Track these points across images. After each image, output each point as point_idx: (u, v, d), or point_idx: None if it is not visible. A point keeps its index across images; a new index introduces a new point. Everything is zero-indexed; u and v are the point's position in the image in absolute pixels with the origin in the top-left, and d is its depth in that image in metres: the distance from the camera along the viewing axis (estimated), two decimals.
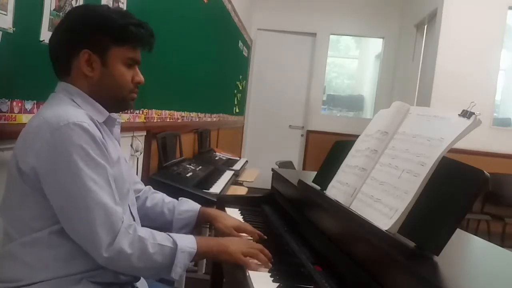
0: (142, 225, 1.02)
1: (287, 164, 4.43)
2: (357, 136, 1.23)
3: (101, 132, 0.99)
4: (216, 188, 2.32)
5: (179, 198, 1.33)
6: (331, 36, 6.39)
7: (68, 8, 1.32)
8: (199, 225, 1.33)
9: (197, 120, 3.36)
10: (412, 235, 0.83)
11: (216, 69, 3.98)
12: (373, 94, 6.50)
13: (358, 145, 1.20)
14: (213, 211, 1.34)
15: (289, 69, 6.31)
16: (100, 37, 1.02)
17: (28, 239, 0.95)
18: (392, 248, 0.82)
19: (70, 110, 0.97)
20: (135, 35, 1.05)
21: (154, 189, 1.36)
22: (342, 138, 1.45)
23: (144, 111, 2.20)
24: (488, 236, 3.98)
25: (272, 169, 1.84)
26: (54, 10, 1.28)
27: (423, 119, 1.00)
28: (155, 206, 1.28)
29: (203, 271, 2.73)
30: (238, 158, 3.94)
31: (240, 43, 5.17)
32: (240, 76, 5.47)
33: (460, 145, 0.92)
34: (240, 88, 5.50)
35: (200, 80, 3.37)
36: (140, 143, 2.19)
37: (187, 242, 1.01)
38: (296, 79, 6.34)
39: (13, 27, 1.12)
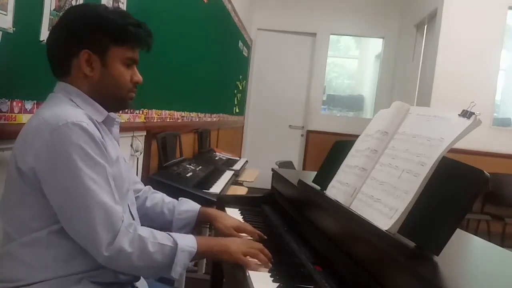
0: (142, 225, 1.02)
1: (287, 164, 4.43)
2: (357, 136, 1.23)
3: (100, 132, 1.00)
4: (216, 188, 2.32)
5: (179, 198, 1.33)
6: (331, 36, 6.39)
7: None
8: (199, 225, 1.33)
9: (197, 120, 3.36)
10: (412, 235, 0.83)
11: (216, 69, 3.98)
12: (373, 94, 6.50)
13: (358, 145, 1.20)
14: (213, 211, 1.34)
15: (289, 69, 6.31)
16: (100, 37, 1.02)
17: (28, 239, 0.95)
18: (392, 248, 0.82)
19: (69, 110, 0.97)
20: (134, 35, 1.05)
21: (154, 189, 1.36)
22: (342, 138, 1.45)
23: (144, 111, 2.20)
24: (488, 236, 3.98)
25: (272, 169, 1.84)
26: (54, 10, 1.28)
27: (423, 119, 1.00)
28: (155, 206, 1.28)
29: (203, 271, 2.73)
30: (238, 158, 3.94)
31: (240, 43, 5.17)
32: (240, 76, 5.47)
33: (460, 145, 0.92)
34: (240, 88, 5.50)
35: (200, 80, 3.38)
36: (140, 143, 2.19)
37: (188, 242, 1.01)
38: (296, 79, 6.34)
39: (13, 27, 1.12)
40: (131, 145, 2.11)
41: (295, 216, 1.41)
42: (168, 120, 2.59)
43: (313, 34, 6.30)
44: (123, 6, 1.78)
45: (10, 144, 1.01)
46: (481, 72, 4.45)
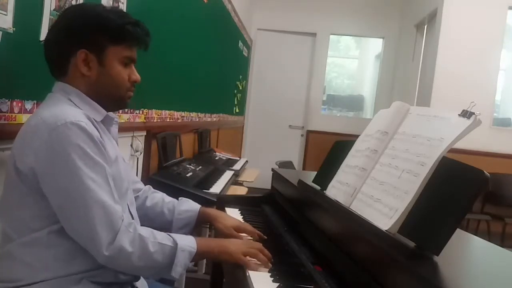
0: (142, 225, 1.02)
1: (287, 164, 4.43)
2: (357, 136, 1.23)
3: (98, 131, 0.99)
4: (216, 188, 2.32)
5: (179, 198, 1.32)
6: (331, 36, 6.39)
7: None
8: (199, 225, 1.33)
9: (197, 120, 3.36)
10: (412, 235, 0.83)
11: (216, 69, 3.98)
12: (373, 94, 6.50)
13: (358, 145, 1.20)
14: (213, 211, 1.34)
15: (289, 69, 6.31)
16: (97, 36, 1.02)
17: (28, 239, 0.95)
18: (392, 248, 0.82)
19: (68, 110, 0.97)
20: (132, 34, 1.05)
21: (154, 189, 1.36)
22: (342, 138, 1.45)
23: (144, 111, 2.20)
24: (488, 236, 3.98)
25: (272, 169, 1.84)
26: (54, 10, 1.28)
27: (423, 119, 1.00)
28: (155, 206, 1.28)
29: (203, 271, 2.74)
30: (238, 158, 3.94)
31: (240, 43, 5.17)
32: (240, 76, 5.47)
33: (460, 145, 0.92)
34: (240, 88, 5.50)
35: (200, 80, 3.38)
36: (140, 143, 2.19)
37: (187, 242, 1.01)
38: (296, 79, 6.34)
39: (13, 27, 1.12)
40: (131, 145, 2.11)
41: (295, 216, 1.41)
42: (168, 120, 2.59)
43: (313, 34, 6.30)
44: (123, 6, 1.78)
45: (10, 144, 1.01)
46: (481, 72, 4.45)
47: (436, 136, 0.91)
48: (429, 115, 1.00)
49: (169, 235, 1.01)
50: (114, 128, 1.15)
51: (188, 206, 1.29)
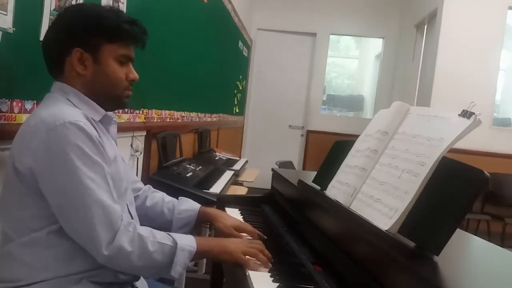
0: (142, 225, 1.02)
1: (287, 164, 4.43)
2: (357, 136, 1.23)
3: (97, 131, 0.99)
4: (216, 188, 2.32)
5: (179, 198, 1.32)
6: (331, 36, 6.39)
7: None
8: (199, 225, 1.32)
9: (197, 120, 3.36)
10: (412, 235, 0.83)
11: (216, 69, 3.98)
12: (373, 94, 6.50)
13: (358, 145, 1.20)
14: (213, 210, 1.34)
15: (289, 69, 6.31)
16: (93, 35, 1.02)
17: (27, 239, 0.95)
18: (392, 248, 0.82)
19: (66, 110, 0.97)
20: (128, 33, 1.05)
21: (154, 189, 1.36)
22: (342, 138, 1.45)
23: (144, 111, 2.20)
24: (488, 236, 3.98)
25: (272, 169, 1.84)
26: (54, 10, 1.28)
27: (423, 119, 1.00)
28: (155, 206, 1.28)
29: (203, 271, 2.74)
30: (238, 158, 3.94)
31: (240, 43, 5.17)
32: (240, 76, 5.47)
33: (460, 145, 0.92)
34: (240, 88, 5.50)
35: (200, 80, 3.38)
36: (140, 143, 2.19)
37: (187, 241, 1.01)
38: (296, 79, 6.34)
39: (13, 27, 1.12)
40: (131, 145, 2.11)
41: (295, 216, 1.41)
42: (168, 120, 2.59)
43: (313, 34, 6.30)
44: (123, 6, 1.78)
45: (10, 144, 1.01)
46: (481, 72, 4.45)
47: (436, 136, 0.91)
48: (429, 115, 1.00)
49: (169, 235, 1.01)
50: (113, 128, 1.15)
51: (188, 206, 1.29)
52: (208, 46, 3.52)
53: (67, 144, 0.91)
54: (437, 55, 4.49)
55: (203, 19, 3.23)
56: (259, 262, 1.03)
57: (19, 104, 1.19)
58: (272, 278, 0.97)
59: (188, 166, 2.53)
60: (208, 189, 2.23)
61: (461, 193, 0.78)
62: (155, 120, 2.37)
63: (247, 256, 1.05)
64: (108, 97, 1.07)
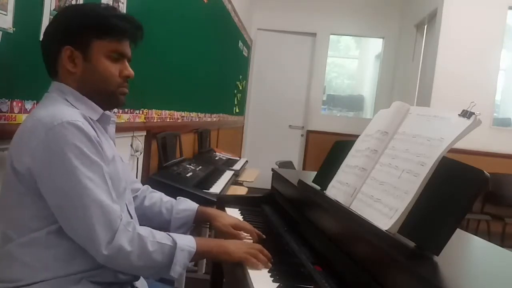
0: (141, 225, 1.02)
1: (287, 164, 4.43)
2: (357, 136, 1.23)
3: (95, 131, 0.99)
4: (216, 188, 2.32)
5: (177, 198, 1.32)
6: (331, 36, 6.39)
7: None
8: (198, 225, 1.32)
9: (197, 120, 3.36)
10: (412, 235, 0.83)
11: (216, 69, 3.98)
12: (373, 94, 6.50)
13: (358, 145, 1.20)
14: (211, 210, 1.33)
15: (289, 69, 6.31)
16: (81, 31, 1.01)
17: (27, 240, 0.95)
18: (392, 248, 0.82)
19: (64, 110, 0.97)
20: (117, 27, 1.03)
21: (154, 189, 1.36)
22: (342, 138, 1.45)
23: (144, 111, 2.20)
24: (488, 236, 3.98)
25: (272, 169, 1.84)
26: (54, 10, 1.28)
27: (423, 119, 1.00)
28: (153, 206, 1.28)
29: (203, 271, 2.74)
30: (238, 158, 3.94)
31: (240, 43, 5.17)
32: (240, 76, 5.47)
33: (460, 145, 0.92)
34: (240, 88, 5.50)
35: (200, 80, 3.38)
36: (140, 143, 2.19)
37: (187, 241, 1.01)
38: (296, 79, 6.34)
39: (13, 27, 1.12)
40: (131, 145, 2.11)
41: (295, 216, 1.41)
42: (168, 120, 2.59)
43: (313, 34, 6.30)
44: (123, 6, 1.78)
45: (10, 144, 1.02)
46: (481, 72, 4.45)
47: (436, 136, 0.91)
48: (429, 115, 1.00)
49: (169, 235, 1.00)
50: (112, 128, 1.15)
51: (186, 206, 1.29)
52: (208, 46, 3.52)
53: (65, 144, 0.91)
54: (437, 55, 4.49)
55: (203, 19, 3.23)
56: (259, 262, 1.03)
57: (19, 104, 1.19)
58: (272, 278, 0.97)
59: (188, 166, 2.53)
60: (208, 189, 2.23)
61: (461, 193, 0.78)
62: (155, 120, 2.37)
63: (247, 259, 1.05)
64: (101, 94, 1.06)
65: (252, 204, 1.71)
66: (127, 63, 1.08)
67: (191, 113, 3.15)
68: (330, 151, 1.43)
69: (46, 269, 0.95)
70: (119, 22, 1.04)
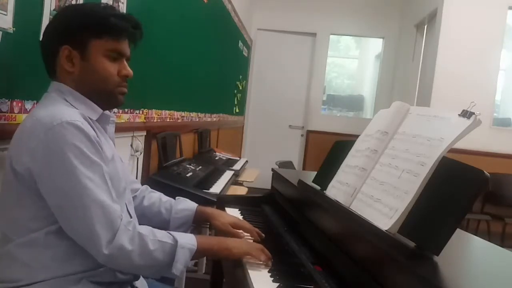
0: (140, 225, 1.02)
1: (287, 164, 4.43)
2: (357, 136, 1.23)
3: (95, 131, 0.99)
4: (216, 188, 2.32)
5: (176, 197, 1.32)
6: (331, 36, 6.39)
7: None
8: (198, 225, 1.32)
9: (197, 120, 3.36)
10: (412, 235, 0.83)
11: (216, 69, 3.98)
12: (373, 94, 6.50)
13: (358, 145, 1.20)
14: (210, 209, 1.33)
15: (289, 69, 6.31)
16: (79, 31, 1.01)
17: (26, 240, 0.95)
18: (392, 248, 0.82)
19: (64, 110, 0.97)
20: (115, 26, 1.03)
21: (154, 189, 1.36)
22: (342, 138, 1.45)
23: (144, 111, 2.20)
24: (488, 236, 3.98)
25: (272, 169, 1.84)
26: (54, 10, 1.28)
27: (423, 119, 1.00)
28: (152, 206, 1.28)
29: (203, 271, 2.74)
30: (238, 158, 3.94)
31: (240, 43, 5.17)
32: (240, 76, 5.47)
33: (460, 145, 0.92)
34: (240, 88, 5.50)
35: (200, 80, 3.38)
36: (140, 143, 2.19)
37: (187, 239, 1.00)
38: (296, 79, 6.34)
39: (13, 27, 1.12)
40: (131, 145, 2.11)
41: (295, 216, 1.41)
42: (168, 120, 2.59)
43: (313, 34, 6.30)
44: (123, 6, 1.78)
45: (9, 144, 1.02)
46: (481, 72, 4.45)
47: (436, 136, 0.91)
48: (429, 115, 1.00)
49: (169, 233, 1.00)
50: (111, 128, 1.15)
51: (185, 205, 1.29)
52: (208, 46, 3.52)
53: (65, 144, 0.91)
54: (437, 55, 4.49)
55: (203, 19, 3.23)
56: (259, 261, 1.03)
57: (19, 104, 1.19)
58: (272, 278, 0.97)
59: (188, 166, 2.53)
60: (208, 189, 2.23)
61: (461, 193, 0.78)
62: (155, 120, 2.37)
63: (247, 256, 1.05)
64: (100, 94, 1.05)
65: (252, 204, 1.71)
66: (125, 63, 1.08)
67: (191, 113, 3.15)
68: (330, 151, 1.43)
69: (45, 269, 0.95)
70: (118, 21, 1.03)
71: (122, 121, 1.90)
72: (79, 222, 0.92)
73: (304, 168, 6.24)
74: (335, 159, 1.29)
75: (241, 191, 2.82)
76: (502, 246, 1.03)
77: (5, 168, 0.97)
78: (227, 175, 2.80)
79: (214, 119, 4.06)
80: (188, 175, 2.32)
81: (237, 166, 3.35)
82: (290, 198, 1.55)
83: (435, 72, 4.49)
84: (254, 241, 1.19)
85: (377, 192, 0.98)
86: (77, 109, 1.01)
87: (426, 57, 4.98)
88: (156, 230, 1.00)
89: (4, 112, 1.13)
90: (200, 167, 2.62)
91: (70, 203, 0.92)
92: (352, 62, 7.34)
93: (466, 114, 0.88)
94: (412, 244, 0.82)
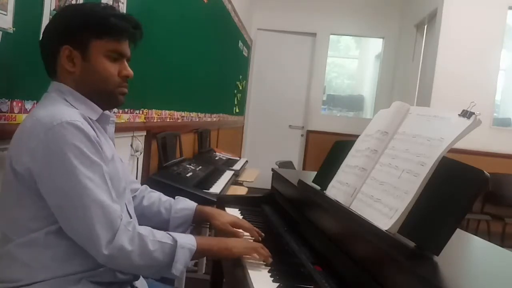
0: (139, 225, 1.02)
1: (287, 164, 4.43)
2: (357, 136, 1.23)
3: (95, 131, 0.99)
4: (216, 188, 2.32)
5: (176, 197, 1.32)
6: (331, 36, 6.39)
7: None
8: (198, 224, 1.32)
9: (197, 120, 3.36)
10: (412, 235, 0.83)
11: (216, 69, 3.98)
12: (373, 94, 6.50)
13: (358, 145, 1.20)
14: (209, 209, 1.33)
15: (289, 69, 6.31)
16: (80, 31, 1.01)
17: (26, 240, 0.95)
18: (392, 248, 0.82)
19: (63, 110, 0.97)
20: (116, 26, 1.03)
21: (154, 189, 1.36)
22: (342, 138, 1.45)
23: (144, 111, 2.20)
24: (488, 236, 3.98)
25: (272, 169, 1.84)
26: (54, 10, 1.28)
27: (423, 119, 1.00)
28: (152, 205, 1.28)
29: (203, 271, 2.74)
30: (238, 158, 3.94)
31: (240, 43, 5.17)
32: (240, 76, 5.47)
33: (460, 145, 0.92)
34: (240, 88, 5.50)
35: (200, 80, 3.38)
36: (140, 143, 2.19)
37: (187, 239, 1.01)
38: (296, 79, 6.34)
39: (13, 27, 1.12)
40: (131, 145, 2.11)
41: (295, 216, 1.41)
42: (168, 120, 2.59)
43: (313, 34, 6.30)
44: (123, 6, 1.78)
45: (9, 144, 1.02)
46: (481, 72, 4.45)
47: (436, 136, 0.91)
48: (429, 115, 1.00)
49: (169, 234, 1.00)
50: (111, 128, 1.15)
51: (185, 205, 1.29)
52: (208, 46, 3.52)
53: (65, 144, 0.91)
54: (437, 55, 4.49)
55: (203, 19, 3.23)
56: (259, 260, 1.04)
57: (19, 104, 1.19)
58: (272, 278, 0.97)
59: (188, 166, 2.53)
60: (208, 189, 2.23)
61: (461, 193, 0.78)
62: (155, 120, 2.37)
63: (247, 256, 1.05)
64: (100, 94, 1.05)
65: (252, 204, 1.71)
66: (126, 63, 1.08)
67: (191, 113, 3.15)
68: (330, 151, 1.43)
69: (45, 269, 0.95)
70: (118, 21, 1.03)
71: (122, 121, 1.90)
72: (79, 222, 0.92)
73: (304, 168, 6.24)
74: (335, 159, 1.29)
75: (241, 191, 2.82)
76: (502, 246, 1.03)
77: (5, 168, 0.97)
78: (227, 175, 2.80)
79: (214, 119, 4.06)
80: (188, 175, 2.32)
81: (237, 166, 3.35)
82: (290, 198, 1.55)
83: (435, 72, 4.49)
84: (254, 240, 1.20)
85: (377, 192, 0.98)
86: (77, 109, 1.01)
87: (426, 57, 4.98)
88: (155, 230, 1.00)
89: (4, 112, 1.13)
90: (200, 167, 2.62)
91: (70, 203, 0.92)
92: (352, 62, 7.34)
93: (466, 114, 0.88)
94: (412, 244, 0.82)
